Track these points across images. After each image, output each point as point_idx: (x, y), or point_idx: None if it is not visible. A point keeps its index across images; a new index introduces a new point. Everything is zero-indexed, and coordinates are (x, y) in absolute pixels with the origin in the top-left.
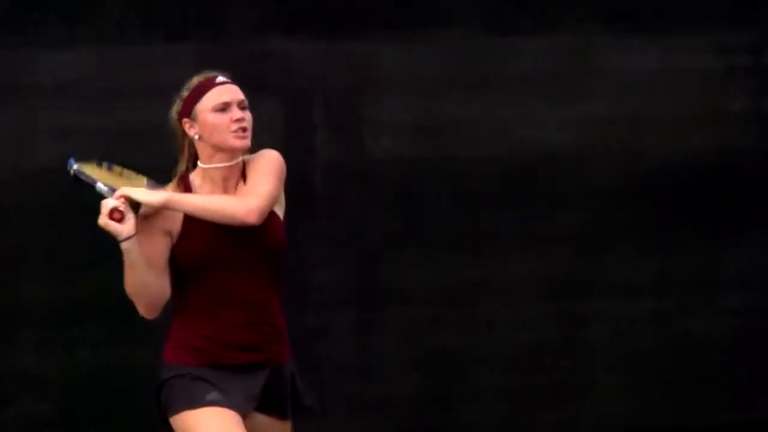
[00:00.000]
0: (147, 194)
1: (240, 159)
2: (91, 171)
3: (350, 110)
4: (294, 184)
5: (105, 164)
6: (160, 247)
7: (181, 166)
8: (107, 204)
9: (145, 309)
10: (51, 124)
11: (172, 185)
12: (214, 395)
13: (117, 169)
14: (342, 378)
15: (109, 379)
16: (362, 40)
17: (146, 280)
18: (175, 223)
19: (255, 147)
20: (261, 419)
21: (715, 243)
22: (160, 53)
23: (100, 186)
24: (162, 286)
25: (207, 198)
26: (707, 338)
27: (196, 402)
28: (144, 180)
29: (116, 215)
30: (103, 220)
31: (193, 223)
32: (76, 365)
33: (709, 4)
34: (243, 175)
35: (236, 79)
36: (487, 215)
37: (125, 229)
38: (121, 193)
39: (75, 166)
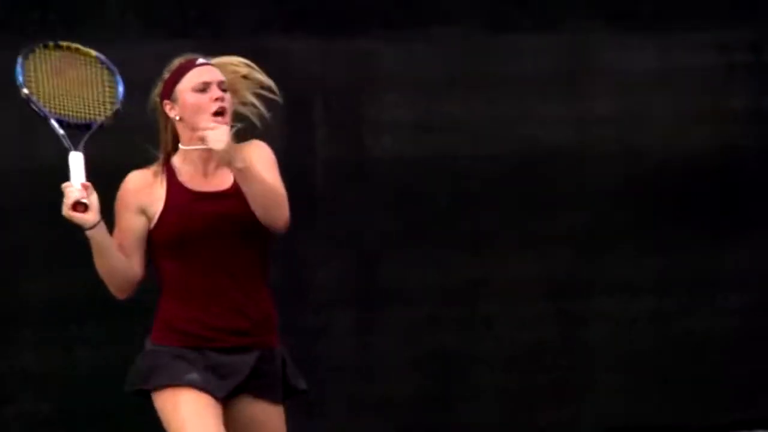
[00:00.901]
0: (233, 156)
1: None
2: (42, 60)
3: (350, 109)
4: (294, 183)
5: (51, 44)
6: (134, 225)
7: (162, 149)
8: (71, 196)
9: (116, 290)
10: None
11: (154, 167)
12: (193, 376)
13: (64, 44)
14: (342, 378)
15: (109, 378)
16: (362, 39)
17: (115, 263)
18: (156, 201)
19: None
20: (251, 403)
21: (716, 242)
22: (160, 52)
23: (53, 124)
24: (132, 267)
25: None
26: (707, 338)
27: (174, 380)
28: (93, 53)
29: (80, 209)
30: (67, 212)
31: (174, 200)
32: (76, 364)
33: (709, 2)
34: None
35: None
36: (487, 214)
37: (90, 218)
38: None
39: (24, 90)
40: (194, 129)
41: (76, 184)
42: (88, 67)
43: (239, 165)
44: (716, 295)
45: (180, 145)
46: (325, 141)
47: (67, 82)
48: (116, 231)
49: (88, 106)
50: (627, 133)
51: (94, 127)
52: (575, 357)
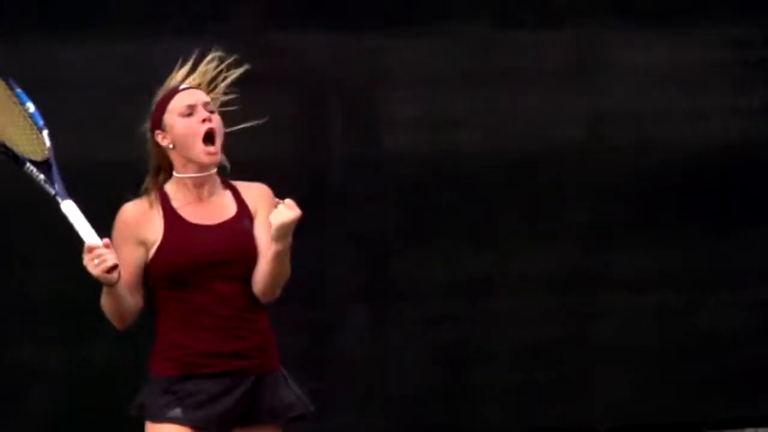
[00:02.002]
0: (287, 237)
1: (214, 170)
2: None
3: (364, 106)
4: (308, 178)
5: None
6: (135, 258)
7: (152, 178)
8: (108, 261)
9: (120, 323)
10: (64, 120)
11: (148, 197)
12: (176, 412)
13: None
14: (354, 373)
15: (128, 374)
16: (376, 35)
17: (126, 305)
18: (155, 232)
19: (271, 144)
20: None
21: (725, 238)
22: (171, 48)
23: (31, 168)
24: (137, 302)
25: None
26: (719, 333)
27: (158, 417)
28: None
29: (113, 270)
30: (102, 275)
31: (172, 231)
32: (96, 361)
33: None
34: (237, 198)
35: (251, 74)
36: (498, 210)
37: (116, 275)
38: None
39: None
40: (187, 155)
41: (100, 244)
42: None
43: (281, 248)
44: (726, 290)
45: (174, 173)
46: (338, 137)
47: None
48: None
49: (31, 139)
50: (636, 129)
51: (52, 161)
52: (584, 353)
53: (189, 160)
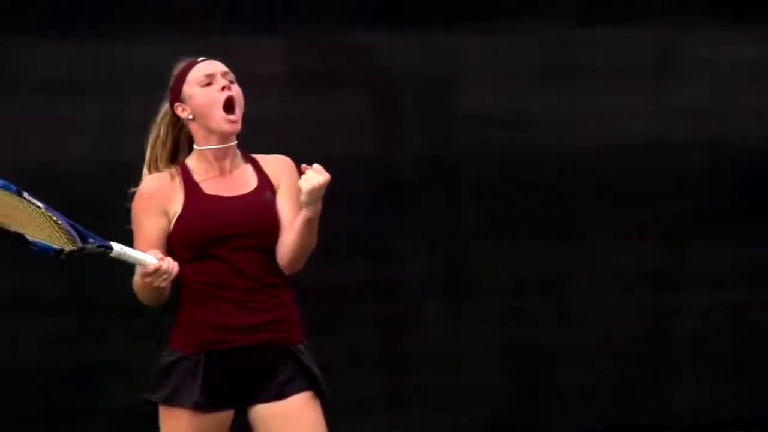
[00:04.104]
0: (316, 204)
1: (234, 142)
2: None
3: (438, 103)
4: (382, 175)
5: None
6: (159, 229)
7: (155, 157)
8: (173, 272)
9: (155, 304)
10: (140, 117)
11: (169, 169)
12: (194, 396)
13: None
14: (430, 369)
15: None
16: (450, 32)
17: (164, 291)
18: (175, 200)
19: (346, 143)
20: (278, 404)
21: None
22: (246, 46)
23: (69, 253)
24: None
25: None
26: None
27: (174, 399)
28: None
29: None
30: (165, 285)
31: (192, 203)
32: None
33: None
34: (258, 171)
35: (328, 72)
36: (574, 207)
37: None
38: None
39: (30, 238)
40: (208, 125)
41: (162, 262)
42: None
43: (311, 214)
44: None
45: (195, 146)
46: (412, 134)
47: (25, 219)
48: (142, 242)
49: (54, 232)
50: (719, 125)
51: (72, 226)
52: (666, 349)
53: (210, 131)
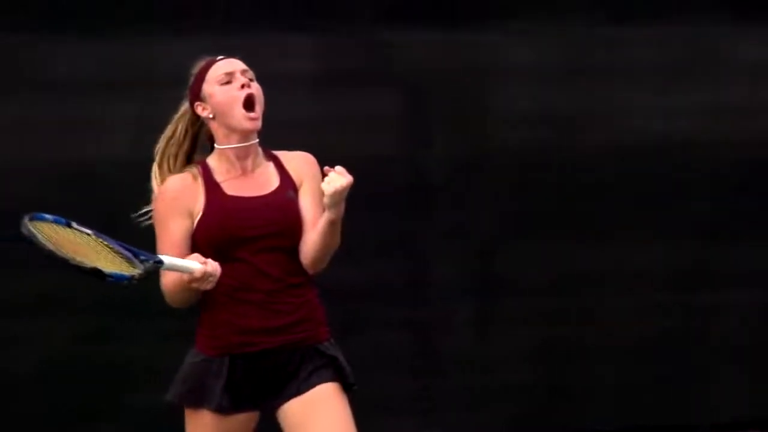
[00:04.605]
0: (339, 206)
1: (256, 140)
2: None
3: (469, 101)
4: (413, 175)
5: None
6: (185, 230)
7: (180, 157)
8: (217, 274)
9: (184, 306)
10: (167, 115)
11: (191, 170)
12: (216, 399)
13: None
14: (461, 369)
15: None
16: (482, 31)
17: (199, 293)
18: (198, 201)
19: (377, 141)
20: (305, 399)
21: None
22: (280, 44)
23: (135, 279)
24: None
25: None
26: None
27: (198, 401)
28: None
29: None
30: (209, 286)
31: (213, 204)
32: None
33: None
34: (280, 169)
35: (357, 70)
36: (606, 206)
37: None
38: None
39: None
40: (228, 123)
41: (207, 267)
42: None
43: (334, 216)
44: None
45: (216, 145)
46: (443, 133)
47: (87, 251)
48: (167, 243)
49: (117, 261)
50: (750, 123)
51: (125, 249)
52: (697, 348)
53: (231, 130)
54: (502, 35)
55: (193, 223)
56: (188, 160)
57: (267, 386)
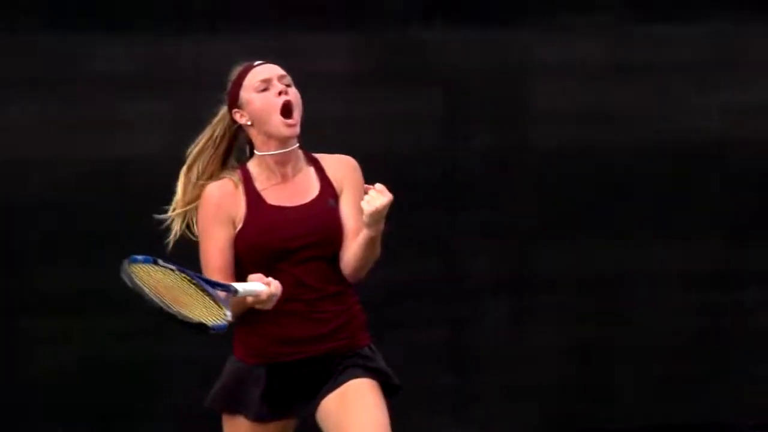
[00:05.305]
0: (379, 224)
1: (295, 145)
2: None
3: (504, 99)
4: (448, 172)
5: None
6: (228, 236)
7: (216, 162)
8: (279, 293)
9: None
10: (204, 114)
11: (231, 176)
12: (252, 406)
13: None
14: (495, 366)
15: None
16: (517, 29)
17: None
18: (239, 210)
19: (412, 139)
20: (339, 395)
21: None
22: (317, 43)
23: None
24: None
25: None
26: None
27: (236, 408)
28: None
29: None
30: (271, 306)
31: (254, 214)
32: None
33: None
34: (321, 175)
35: (393, 69)
36: (640, 204)
37: None
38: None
39: (151, 297)
40: (266, 130)
41: (272, 288)
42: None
43: (374, 234)
44: None
45: (255, 152)
46: (478, 131)
47: (180, 295)
48: (212, 248)
49: (201, 291)
50: None
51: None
52: (725, 347)
53: (269, 136)
54: (539, 33)
55: (235, 230)
56: (224, 163)
57: (304, 393)
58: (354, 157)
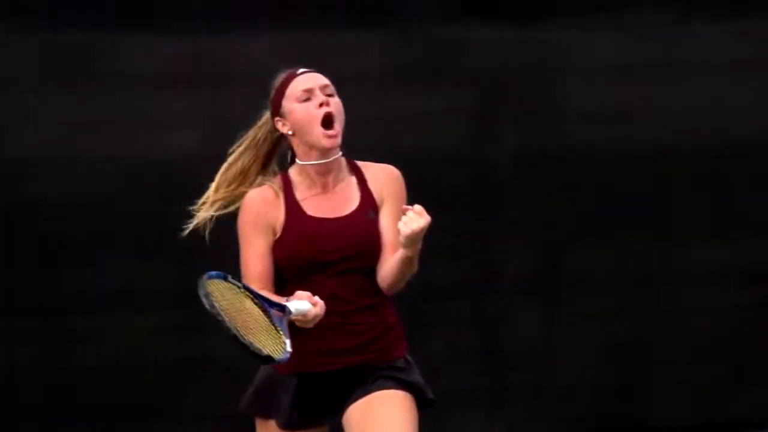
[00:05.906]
0: (416, 245)
1: (338, 155)
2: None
3: (538, 98)
4: (481, 172)
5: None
6: (270, 242)
7: (257, 168)
8: (323, 312)
9: None
10: (239, 111)
11: (272, 183)
12: (286, 415)
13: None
14: (527, 366)
15: None
16: (551, 27)
17: None
18: (279, 219)
19: (445, 137)
20: (366, 403)
21: None
22: (350, 41)
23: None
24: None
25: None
26: None
27: (268, 414)
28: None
29: None
30: (311, 325)
31: (293, 224)
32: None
33: None
34: (362, 185)
35: (427, 67)
36: (675, 202)
37: None
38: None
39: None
40: (308, 141)
41: (316, 306)
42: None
43: (411, 254)
44: None
45: (297, 160)
46: (512, 130)
47: (242, 316)
48: (252, 254)
49: (273, 336)
50: None
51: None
52: (763, 346)
53: (310, 147)
54: (575, 32)
55: (274, 238)
56: (264, 166)
57: (335, 403)
58: (387, 155)
